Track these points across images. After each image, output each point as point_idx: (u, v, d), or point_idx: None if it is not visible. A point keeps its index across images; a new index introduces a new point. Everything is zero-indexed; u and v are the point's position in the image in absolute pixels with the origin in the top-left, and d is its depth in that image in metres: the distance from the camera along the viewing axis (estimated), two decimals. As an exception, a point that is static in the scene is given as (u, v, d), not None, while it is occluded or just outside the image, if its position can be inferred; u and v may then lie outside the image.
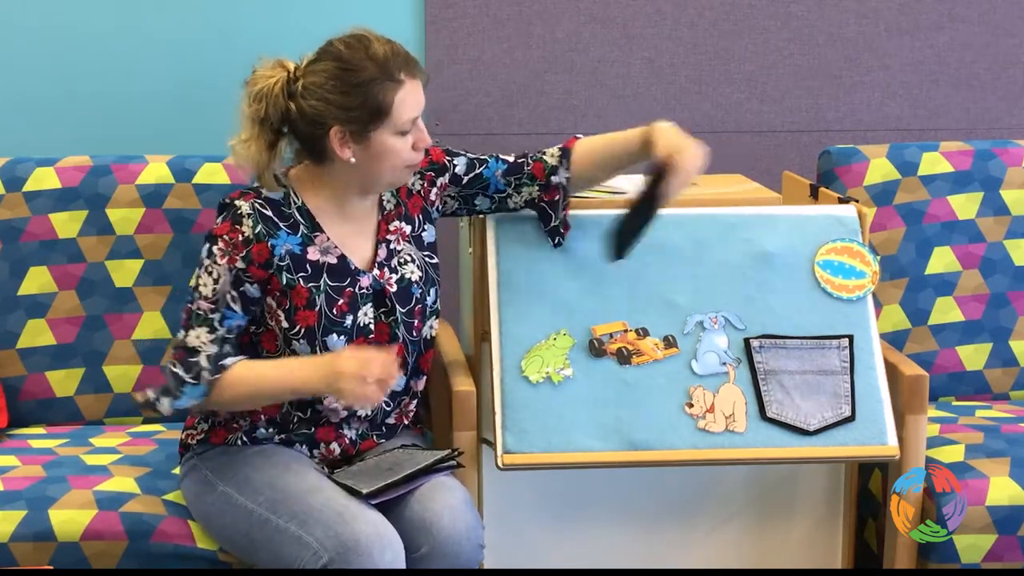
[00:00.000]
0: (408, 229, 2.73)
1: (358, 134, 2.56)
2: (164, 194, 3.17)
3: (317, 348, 2.61)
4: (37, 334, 3.13)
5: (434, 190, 2.77)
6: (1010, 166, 3.34)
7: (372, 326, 2.65)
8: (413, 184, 2.75)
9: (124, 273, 3.16)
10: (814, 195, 3.14)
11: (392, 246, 2.70)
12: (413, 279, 2.70)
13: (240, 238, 2.59)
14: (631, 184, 3.20)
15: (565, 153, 2.81)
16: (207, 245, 2.59)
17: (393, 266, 2.69)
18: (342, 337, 2.62)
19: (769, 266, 2.87)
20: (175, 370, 2.55)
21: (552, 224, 2.82)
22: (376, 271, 2.67)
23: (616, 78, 3.63)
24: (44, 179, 3.17)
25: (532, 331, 2.81)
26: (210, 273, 2.58)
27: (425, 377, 2.79)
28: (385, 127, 2.56)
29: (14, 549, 2.63)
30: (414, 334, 2.70)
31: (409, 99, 2.57)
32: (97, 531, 2.64)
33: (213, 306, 2.57)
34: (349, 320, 2.63)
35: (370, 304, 2.65)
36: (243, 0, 3.50)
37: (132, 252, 3.16)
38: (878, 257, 2.92)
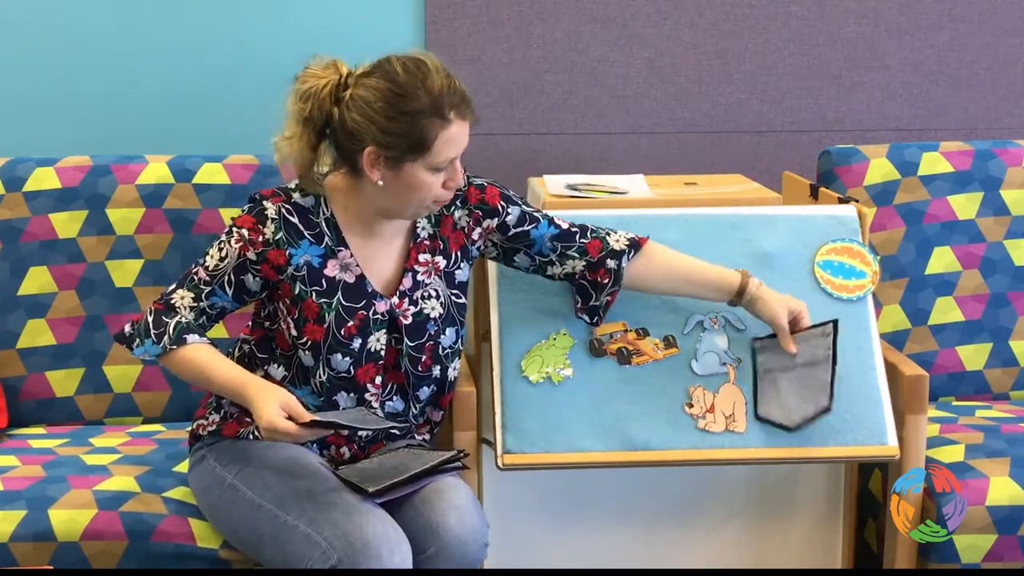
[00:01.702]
0: (443, 264, 2.68)
1: (392, 161, 2.52)
2: (164, 194, 3.17)
3: (321, 364, 2.60)
4: (37, 334, 3.13)
5: (478, 229, 2.71)
6: (1010, 166, 3.33)
7: (383, 352, 2.63)
8: (459, 219, 2.70)
9: (124, 273, 3.16)
10: (814, 195, 3.14)
11: (419, 277, 2.66)
12: (432, 316, 2.65)
13: (260, 238, 2.59)
14: (631, 184, 3.20)
15: (635, 245, 2.74)
16: (228, 226, 2.61)
17: (415, 298, 2.65)
18: (347, 358, 2.60)
19: (769, 266, 2.87)
20: (149, 319, 2.59)
21: (591, 304, 2.77)
22: (396, 299, 2.64)
23: (616, 78, 3.62)
24: (44, 179, 3.17)
25: (532, 331, 2.81)
26: (220, 250, 2.60)
27: (443, 412, 2.77)
28: (421, 161, 2.52)
29: (14, 549, 2.63)
30: (420, 369, 2.66)
31: (453, 140, 2.53)
32: (97, 531, 2.64)
33: (208, 279, 2.60)
34: (357, 343, 2.61)
35: (384, 330, 2.63)
36: (243, 0, 3.50)
37: (132, 252, 3.16)
38: (878, 257, 2.91)
